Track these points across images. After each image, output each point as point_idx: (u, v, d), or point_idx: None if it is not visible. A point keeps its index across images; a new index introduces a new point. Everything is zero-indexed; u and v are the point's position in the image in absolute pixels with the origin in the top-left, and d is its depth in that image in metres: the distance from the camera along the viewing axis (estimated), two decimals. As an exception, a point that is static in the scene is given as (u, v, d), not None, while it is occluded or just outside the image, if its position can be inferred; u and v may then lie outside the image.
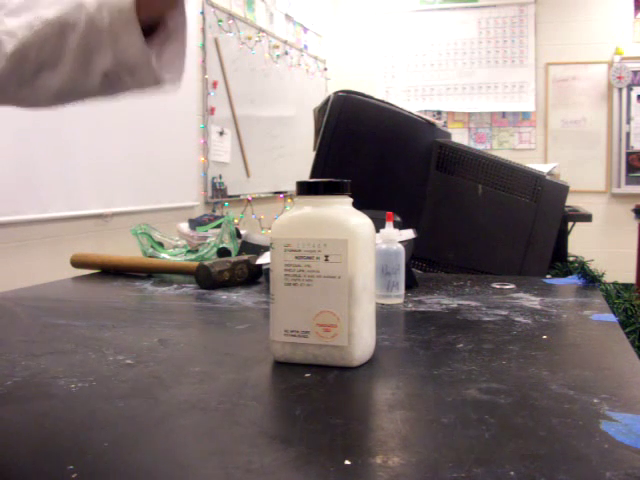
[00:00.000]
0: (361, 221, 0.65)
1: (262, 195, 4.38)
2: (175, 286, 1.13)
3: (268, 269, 0.68)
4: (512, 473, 0.40)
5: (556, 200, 1.45)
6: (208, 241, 1.38)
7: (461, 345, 0.72)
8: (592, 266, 1.11)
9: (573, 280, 1.12)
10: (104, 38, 0.72)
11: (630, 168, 5.39)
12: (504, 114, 5.66)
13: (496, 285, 1.10)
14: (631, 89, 5.36)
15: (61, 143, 2.46)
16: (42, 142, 2.36)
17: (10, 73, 0.74)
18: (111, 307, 0.98)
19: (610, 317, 0.84)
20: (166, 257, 1.32)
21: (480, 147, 5.50)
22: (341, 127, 1.33)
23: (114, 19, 0.71)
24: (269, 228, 0.71)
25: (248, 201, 4.17)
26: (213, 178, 3.75)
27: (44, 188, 2.40)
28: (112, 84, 0.76)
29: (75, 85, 0.76)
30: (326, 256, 0.62)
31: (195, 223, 1.59)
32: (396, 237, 0.96)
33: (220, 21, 3.78)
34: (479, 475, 0.40)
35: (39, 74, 0.75)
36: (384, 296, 0.95)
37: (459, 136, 5.50)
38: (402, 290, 0.96)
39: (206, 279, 1.10)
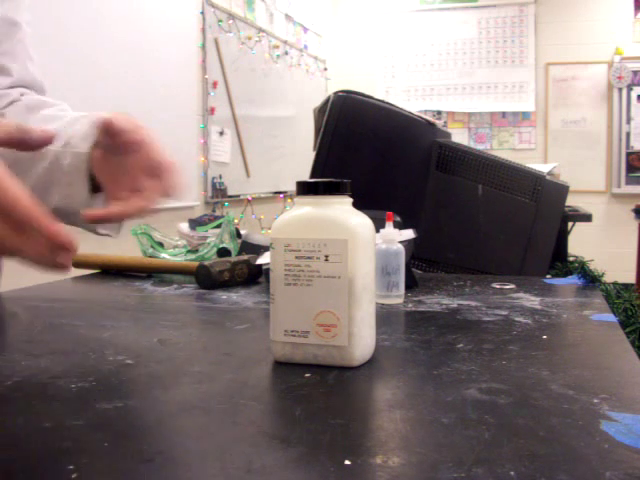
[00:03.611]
0: (361, 221, 0.65)
1: (262, 195, 4.38)
2: (175, 286, 1.13)
3: (268, 269, 0.68)
4: (512, 473, 0.40)
5: (556, 200, 1.46)
6: (208, 241, 1.38)
7: (461, 345, 0.72)
8: (592, 266, 1.11)
9: (573, 280, 1.12)
10: (62, 177, 0.75)
11: (630, 168, 5.39)
12: (504, 114, 5.66)
13: (496, 285, 1.10)
14: (631, 89, 5.36)
15: (61, 143, 2.45)
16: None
17: None
18: (111, 307, 0.98)
19: (610, 317, 0.84)
20: (166, 257, 1.32)
21: (480, 147, 5.50)
22: (341, 127, 1.33)
23: (72, 161, 0.74)
24: (269, 228, 0.71)
25: (248, 201, 4.17)
26: (213, 178, 3.75)
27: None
28: (60, 216, 0.75)
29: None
30: (326, 256, 0.62)
31: (195, 223, 1.59)
32: (396, 237, 0.96)
33: (220, 21, 3.78)
34: (479, 475, 0.40)
35: None
36: (384, 296, 0.95)
37: (459, 136, 5.50)
38: (402, 290, 0.96)
39: (206, 279, 1.10)
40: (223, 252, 1.30)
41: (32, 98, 0.90)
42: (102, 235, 0.84)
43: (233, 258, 1.16)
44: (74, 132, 0.77)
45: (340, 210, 0.64)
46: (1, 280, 1.08)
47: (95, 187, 0.78)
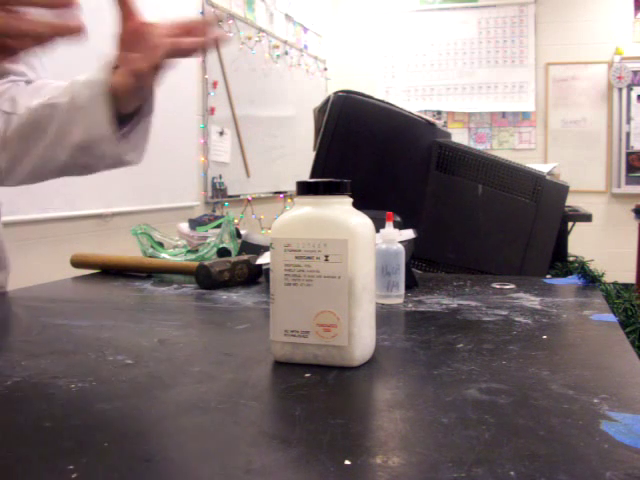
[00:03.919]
0: (361, 221, 0.65)
1: (262, 195, 4.38)
2: (175, 286, 1.13)
3: (268, 269, 0.68)
4: (512, 473, 0.40)
5: (556, 200, 1.46)
6: (208, 241, 1.38)
7: (461, 345, 0.72)
8: (592, 266, 1.11)
9: (573, 280, 1.12)
10: (78, 113, 0.81)
11: (630, 168, 5.39)
12: (504, 114, 5.66)
13: (496, 285, 1.10)
14: (631, 89, 5.36)
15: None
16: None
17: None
18: (111, 307, 0.98)
19: (610, 317, 0.84)
20: (166, 257, 1.32)
21: (480, 147, 5.50)
22: (341, 127, 1.33)
23: (89, 93, 0.80)
24: (269, 228, 0.72)
25: (248, 201, 4.17)
26: (213, 178, 3.75)
27: (44, 188, 2.39)
28: (81, 158, 0.84)
29: (48, 160, 0.85)
30: (326, 256, 0.62)
31: (195, 223, 1.59)
32: (396, 237, 0.96)
33: (220, 21, 3.78)
34: (479, 475, 0.40)
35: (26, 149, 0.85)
36: (384, 296, 0.95)
37: (459, 136, 5.50)
38: (402, 290, 0.96)
39: (206, 279, 1.10)
40: (223, 252, 1.30)
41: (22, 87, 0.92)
42: (126, 162, 0.87)
43: (233, 258, 1.16)
44: (85, 76, 0.82)
45: (340, 210, 0.65)
46: (9, 280, 1.09)
47: (123, 117, 0.82)
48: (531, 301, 0.96)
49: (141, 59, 0.78)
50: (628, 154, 5.39)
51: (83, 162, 0.87)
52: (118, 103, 0.82)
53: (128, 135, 0.85)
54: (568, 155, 5.42)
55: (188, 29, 0.80)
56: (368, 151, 1.36)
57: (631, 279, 3.87)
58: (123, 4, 0.79)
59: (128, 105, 0.83)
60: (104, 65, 0.83)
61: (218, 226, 1.51)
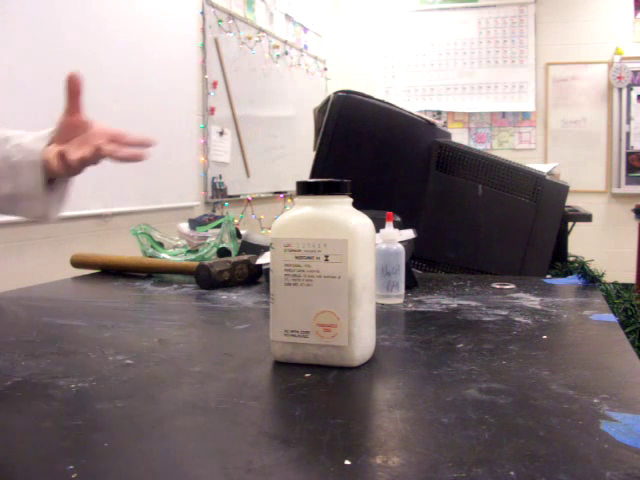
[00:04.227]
0: (361, 221, 0.65)
1: (262, 195, 4.38)
2: (175, 286, 1.13)
3: (268, 269, 0.68)
4: (512, 473, 0.40)
5: (556, 200, 1.45)
6: (208, 241, 1.38)
7: (461, 345, 0.72)
8: (592, 266, 1.11)
9: (573, 280, 1.12)
10: (10, 171, 0.89)
11: (630, 168, 5.39)
12: (504, 114, 5.66)
13: (496, 285, 1.10)
14: (631, 89, 5.36)
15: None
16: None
17: None
18: (111, 307, 0.98)
19: (610, 317, 0.84)
20: (166, 257, 1.32)
21: (480, 147, 5.49)
22: (341, 127, 1.33)
23: (24, 157, 0.88)
24: (269, 228, 0.73)
25: (248, 201, 4.16)
26: (213, 178, 3.75)
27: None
28: (9, 206, 0.92)
29: None
30: (326, 256, 0.62)
31: (195, 223, 1.58)
32: (396, 237, 0.96)
33: (220, 21, 3.78)
34: (479, 475, 0.40)
35: None
36: (384, 296, 0.95)
37: (459, 136, 5.49)
38: (402, 290, 0.96)
39: (206, 279, 1.10)
40: (223, 252, 1.30)
41: None
42: (47, 219, 0.94)
43: (233, 258, 1.16)
44: (26, 139, 0.91)
45: (340, 210, 0.64)
46: None
47: (52, 180, 0.90)
48: (531, 301, 0.96)
49: (71, 151, 0.85)
50: (628, 154, 5.39)
51: (7, 209, 0.94)
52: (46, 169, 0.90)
53: (50, 195, 0.92)
54: (568, 155, 5.42)
55: (124, 140, 0.90)
56: (368, 151, 1.36)
57: (631, 279, 3.86)
58: (71, 99, 0.86)
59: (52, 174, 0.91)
60: (43, 135, 0.90)
61: (218, 226, 1.51)
